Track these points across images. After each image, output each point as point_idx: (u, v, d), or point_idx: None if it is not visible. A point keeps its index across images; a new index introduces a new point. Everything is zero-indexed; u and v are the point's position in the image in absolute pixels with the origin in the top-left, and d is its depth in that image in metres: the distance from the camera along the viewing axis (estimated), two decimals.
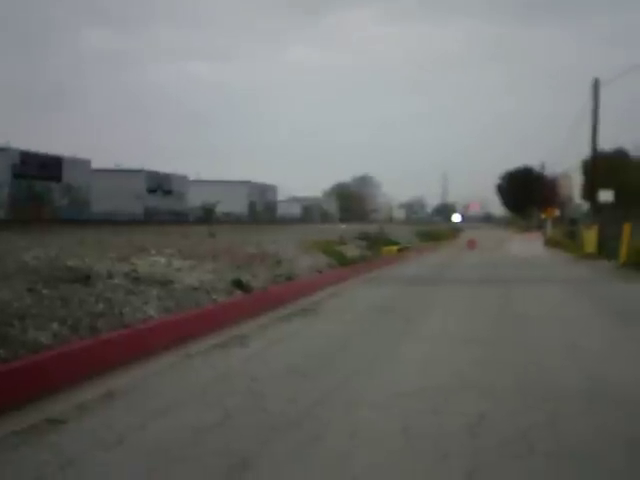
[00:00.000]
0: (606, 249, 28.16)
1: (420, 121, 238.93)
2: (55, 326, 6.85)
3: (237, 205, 76.47)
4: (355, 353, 7.91)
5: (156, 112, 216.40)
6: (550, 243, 42.45)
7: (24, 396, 5.51)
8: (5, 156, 42.56)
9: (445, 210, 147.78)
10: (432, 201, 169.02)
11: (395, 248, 29.12)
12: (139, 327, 7.74)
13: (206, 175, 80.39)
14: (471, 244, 39.58)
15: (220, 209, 73.31)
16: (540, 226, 62.63)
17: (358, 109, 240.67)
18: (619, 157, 65.48)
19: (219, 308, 9.90)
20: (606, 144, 55.98)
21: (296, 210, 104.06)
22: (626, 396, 6.01)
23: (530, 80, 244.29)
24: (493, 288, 16.25)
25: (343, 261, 19.41)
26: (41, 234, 20.21)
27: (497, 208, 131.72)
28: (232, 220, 62.93)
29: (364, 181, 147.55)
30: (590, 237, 31.34)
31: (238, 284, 11.44)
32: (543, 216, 61.62)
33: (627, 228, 23.64)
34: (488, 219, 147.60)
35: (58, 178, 47.20)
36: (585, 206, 47.18)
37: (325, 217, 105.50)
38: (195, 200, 70.33)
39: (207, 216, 66.81)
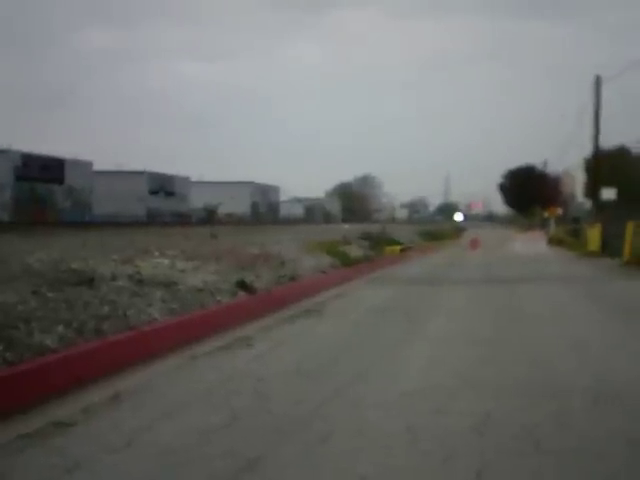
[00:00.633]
0: (609, 247, 28.14)
1: (422, 120, 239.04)
2: (60, 329, 6.86)
3: (239, 206, 76.52)
4: (360, 354, 7.91)
5: (157, 113, 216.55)
6: (553, 242, 42.39)
7: (30, 399, 5.51)
8: (7, 158, 42.63)
9: (447, 209, 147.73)
10: (434, 200, 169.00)
11: (398, 248, 29.11)
12: (144, 329, 7.75)
13: (208, 176, 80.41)
14: (474, 243, 39.54)
15: (222, 210, 73.38)
16: (543, 225, 62.56)
17: (360, 108, 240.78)
18: (622, 154, 65.37)
19: (223, 309, 9.91)
20: (609, 141, 55.93)
21: (299, 210, 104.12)
22: (631, 394, 6.01)
23: (532, 77, 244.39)
24: (496, 287, 16.25)
25: (346, 261, 19.40)
26: (44, 236, 20.25)
27: (500, 207, 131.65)
28: (234, 221, 62.94)
29: (366, 181, 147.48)
30: (593, 235, 31.31)
31: (242, 285, 11.44)
32: (546, 215, 61.54)
33: (630, 226, 23.60)
34: (491, 218, 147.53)
35: (60, 180, 47.27)
36: (588, 204, 47.12)
37: (328, 217, 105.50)
38: (197, 201, 70.41)
39: (209, 217, 66.86)
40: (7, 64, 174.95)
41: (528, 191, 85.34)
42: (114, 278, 9.57)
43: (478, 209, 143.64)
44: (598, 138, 37.37)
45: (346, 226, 51.64)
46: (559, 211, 59.42)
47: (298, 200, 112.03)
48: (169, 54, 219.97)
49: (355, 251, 22.73)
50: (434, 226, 66.37)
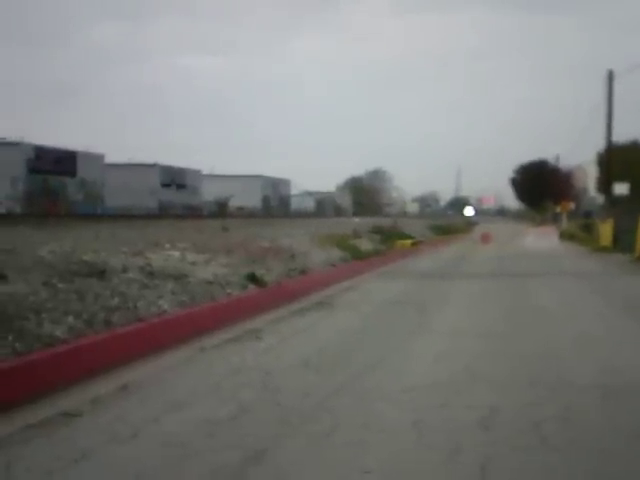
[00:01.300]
0: (621, 242, 28.01)
1: (434, 114, 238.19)
2: (70, 320, 6.90)
3: (251, 199, 76.56)
4: (369, 347, 7.92)
5: (168, 107, 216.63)
6: (565, 236, 42.23)
7: (39, 389, 5.55)
8: (20, 151, 42.79)
9: (459, 204, 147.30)
10: (446, 195, 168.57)
11: (409, 242, 29.09)
12: (154, 321, 7.78)
13: (220, 169, 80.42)
14: (485, 238, 39.44)
15: (234, 203, 73.44)
16: (555, 219, 62.35)
17: (371, 102, 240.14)
18: (635, 149, 65.06)
19: (233, 302, 9.93)
20: (622, 136, 55.71)
21: (309, 204, 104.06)
22: (638, 388, 5.99)
23: (545, 72, 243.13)
24: (507, 282, 16.21)
25: (357, 255, 19.40)
26: (56, 228, 20.32)
27: (511, 202, 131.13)
28: (245, 214, 63.01)
29: (377, 175, 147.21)
30: (605, 230, 31.19)
31: (252, 278, 11.46)
32: (558, 209, 61.32)
33: None
34: (502, 213, 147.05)
35: (72, 173, 47.40)
36: (600, 199, 46.95)
37: (338, 211, 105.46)
38: (209, 194, 70.48)
39: (221, 210, 66.95)
40: (18, 58, 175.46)
41: (540, 186, 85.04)
42: (125, 270, 9.60)
43: (490, 204, 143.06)
44: (611, 132, 37.21)
45: (357, 220, 51.60)
46: (571, 206, 59.23)
47: (309, 194, 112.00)
48: (180, 48, 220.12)
49: (366, 245, 22.73)
50: (445, 220, 66.23)
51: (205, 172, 72.16)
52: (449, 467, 4.22)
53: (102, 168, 51.26)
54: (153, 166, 59.78)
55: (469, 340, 8.34)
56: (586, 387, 6.03)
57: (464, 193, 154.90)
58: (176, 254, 12.10)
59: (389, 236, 28.24)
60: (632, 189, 38.29)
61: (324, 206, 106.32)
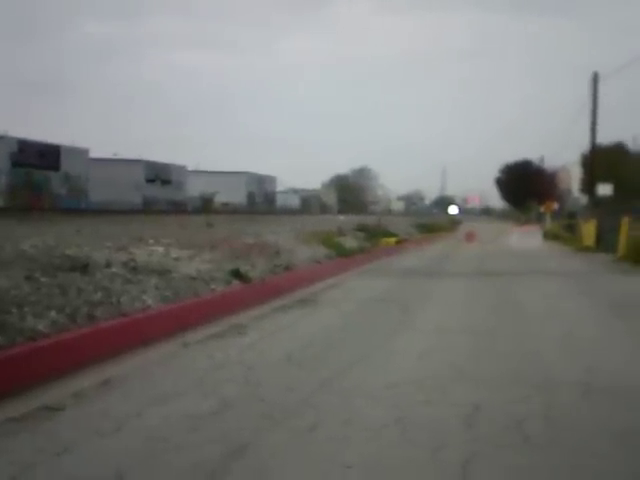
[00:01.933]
0: (604, 242, 28.18)
1: (421, 113, 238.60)
2: (53, 314, 6.86)
3: (236, 195, 76.50)
4: (352, 343, 7.93)
5: (154, 102, 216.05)
6: (549, 236, 42.41)
7: (22, 383, 5.52)
8: (3, 144, 42.52)
9: (444, 203, 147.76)
10: (431, 194, 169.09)
11: (393, 240, 29.12)
12: (137, 316, 7.75)
13: (205, 166, 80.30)
14: (470, 237, 39.54)
15: (219, 199, 73.33)
16: (539, 219, 62.63)
17: (357, 101, 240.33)
18: (618, 151, 65.46)
19: (217, 298, 9.91)
20: (606, 137, 56.03)
21: (295, 201, 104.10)
22: (621, 387, 6.03)
23: (532, 73, 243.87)
24: (490, 280, 16.27)
25: (342, 252, 19.41)
26: (39, 223, 20.22)
27: (496, 201, 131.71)
28: (230, 210, 62.90)
29: (363, 173, 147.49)
30: (588, 230, 31.36)
31: (236, 274, 11.44)
32: (542, 209, 61.59)
33: (625, 222, 23.66)
34: (487, 212, 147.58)
35: (56, 167, 47.19)
36: (584, 200, 47.19)
37: (324, 208, 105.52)
38: (194, 190, 70.34)
39: (205, 206, 66.79)
40: (4, 51, 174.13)
41: (524, 186, 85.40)
42: (108, 265, 9.56)
43: (475, 203, 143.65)
44: (595, 134, 37.41)
45: (342, 217, 51.64)
46: (555, 206, 59.48)
47: (294, 191, 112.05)
48: (165, 44, 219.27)
49: (350, 242, 22.73)
50: (430, 219, 66.35)
51: (190, 168, 72.03)
52: (431, 464, 4.23)
53: (86, 163, 51.07)
54: (138, 161, 59.63)
55: (453, 338, 8.36)
56: (569, 385, 6.06)
57: (450, 192, 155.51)
58: (160, 249, 12.06)
59: (374, 234, 28.25)
60: (615, 190, 38.54)
61: (309, 203, 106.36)
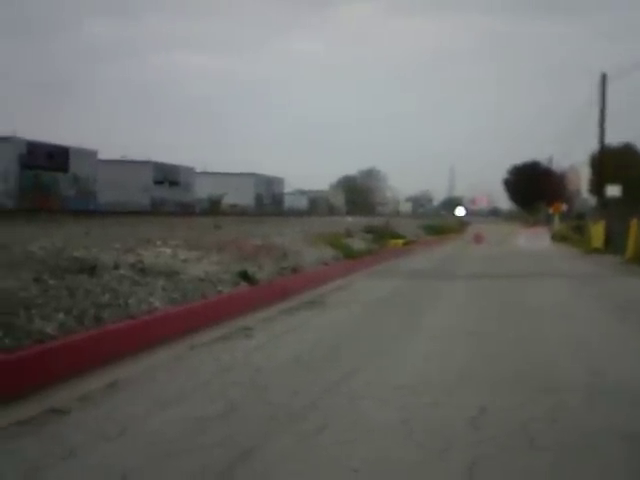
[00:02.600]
0: (613, 244, 28.10)
1: (428, 114, 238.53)
2: (61, 316, 6.88)
3: (244, 197, 76.55)
4: (359, 346, 7.93)
5: (162, 104, 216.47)
6: (557, 238, 42.30)
7: (28, 386, 5.53)
8: (12, 146, 42.68)
9: (452, 204, 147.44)
10: (439, 195, 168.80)
11: (401, 241, 29.09)
12: (144, 318, 7.76)
13: (213, 167, 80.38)
14: (478, 238, 39.46)
15: (227, 201, 73.40)
16: (547, 221, 62.46)
17: (365, 102, 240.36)
18: (627, 152, 65.28)
19: (224, 300, 9.92)
20: (615, 138, 55.92)
21: (303, 203, 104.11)
22: (627, 390, 6.02)
23: (540, 73, 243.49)
24: (498, 282, 16.24)
25: (349, 254, 19.40)
26: (48, 224, 20.28)
27: (504, 202, 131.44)
28: (238, 212, 62.95)
29: (371, 174, 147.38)
30: (597, 232, 31.25)
31: (244, 276, 11.45)
32: (550, 211, 61.42)
33: (634, 224, 23.56)
34: (495, 213, 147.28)
35: (65, 168, 47.31)
36: (593, 201, 47.08)
37: (332, 210, 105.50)
38: (202, 192, 70.42)
39: (213, 208, 66.87)
40: (12, 52, 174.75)
41: (533, 187, 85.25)
42: (116, 267, 9.58)
43: (483, 204, 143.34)
44: (604, 135, 37.34)
45: (349, 219, 51.62)
46: (563, 207, 59.31)
47: (302, 192, 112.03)
48: (174, 45, 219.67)
49: (358, 244, 22.71)
50: (438, 220, 66.24)
51: (198, 169, 72.10)
52: (437, 466, 4.23)
53: (95, 164, 51.18)
54: (146, 163, 59.73)
55: (459, 340, 8.35)
56: (574, 388, 6.05)
57: (458, 193, 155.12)
58: (168, 251, 12.08)
59: (382, 235, 28.22)
60: (624, 191, 38.43)
61: (317, 205, 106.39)
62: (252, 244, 15.94)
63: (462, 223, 75.72)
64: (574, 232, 42.01)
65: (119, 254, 10.68)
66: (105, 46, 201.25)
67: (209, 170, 78.51)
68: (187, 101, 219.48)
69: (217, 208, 67.76)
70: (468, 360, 7.14)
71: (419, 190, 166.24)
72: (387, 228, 32.12)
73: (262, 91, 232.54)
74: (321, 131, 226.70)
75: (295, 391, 5.79)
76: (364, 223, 33.79)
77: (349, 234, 24.96)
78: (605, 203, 36.95)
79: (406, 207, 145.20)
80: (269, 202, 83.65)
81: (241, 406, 5.34)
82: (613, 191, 37.46)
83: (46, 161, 45.29)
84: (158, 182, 60.74)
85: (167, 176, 62.30)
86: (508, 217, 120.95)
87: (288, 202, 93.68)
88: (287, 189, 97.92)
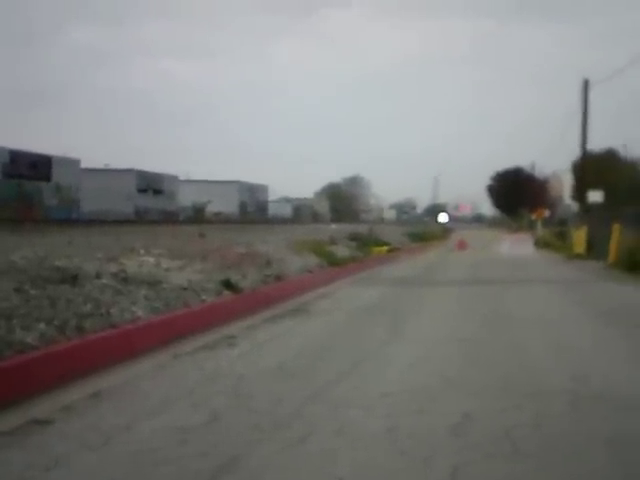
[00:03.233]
0: (595, 250, 28.27)
1: (412, 121, 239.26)
2: (42, 326, 6.83)
3: (228, 205, 76.41)
4: (343, 354, 7.92)
5: (144, 112, 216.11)
6: (540, 244, 42.52)
7: (10, 397, 5.49)
8: None
9: (436, 211, 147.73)
10: (423, 202, 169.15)
11: (385, 248, 29.14)
12: (127, 327, 7.73)
13: (196, 175, 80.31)
14: (461, 245, 39.60)
15: (210, 209, 73.26)
16: (530, 227, 62.77)
17: (348, 109, 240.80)
18: (609, 157, 65.71)
19: (207, 308, 9.89)
20: (597, 144, 56.25)
21: (287, 210, 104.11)
22: (610, 395, 6.04)
23: (521, 79, 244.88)
24: (481, 289, 16.29)
25: (333, 261, 19.41)
26: (30, 234, 20.15)
27: (488, 209, 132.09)
28: (222, 220, 62.83)
29: (355, 182, 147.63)
30: (579, 238, 31.45)
31: (227, 284, 11.42)
32: (533, 217, 61.73)
33: (616, 229, 23.73)
34: (479, 220, 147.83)
35: (48, 177, 47.05)
36: (575, 207, 47.33)
37: (316, 217, 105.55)
38: (185, 200, 70.26)
39: (197, 216, 66.73)
40: None
41: (516, 193, 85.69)
42: (98, 276, 9.54)
43: (466, 211, 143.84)
44: (586, 141, 37.55)
45: (334, 226, 51.63)
46: (546, 213, 59.63)
47: (287, 200, 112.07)
48: (156, 52, 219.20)
49: (342, 251, 22.73)
50: (422, 227, 66.38)
51: (182, 177, 71.95)
52: (421, 474, 4.23)
53: (78, 173, 50.93)
54: (129, 171, 59.53)
55: (444, 347, 8.36)
56: (559, 394, 6.07)
57: (442, 200, 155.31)
58: (151, 260, 12.04)
59: (365, 243, 28.26)
60: (606, 197, 38.68)
61: (301, 212, 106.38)
62: (236, 252, 15.91)
63: (446, 230, 75.93)
64: (557, 238, 42.26)
65: (101, 263, 10.63)
66: (88, 53, 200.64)
67: (193, 178, 78.40)
68: (171, 108, 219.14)
69: (201, 216, 67.61)
70: (452, 367, 7.15)
71: (403, 197, 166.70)
72: (371, 235, 32.17)
73: (247, 98, 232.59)
74: (306, 138, 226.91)
75: (279, 399, 5.77)
76: (348, 230, 33.82)
77: (333, 241, 24.98)
78: (587, 209, 37.16)
79: (390, 214, 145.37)
80: (253, 210, 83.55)
81: (225, 415, 5.33)
82: (595, 197, 37.70)
83: (29, 170, 45.03)
84: (142, 190, 60.53)
85: (150, 184, 62.11)
86: (492, 223, 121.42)
87: (272, 210, 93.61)
88: (271, 197, 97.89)
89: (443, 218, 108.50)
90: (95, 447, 4.59)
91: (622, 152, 67.83)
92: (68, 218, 43.08)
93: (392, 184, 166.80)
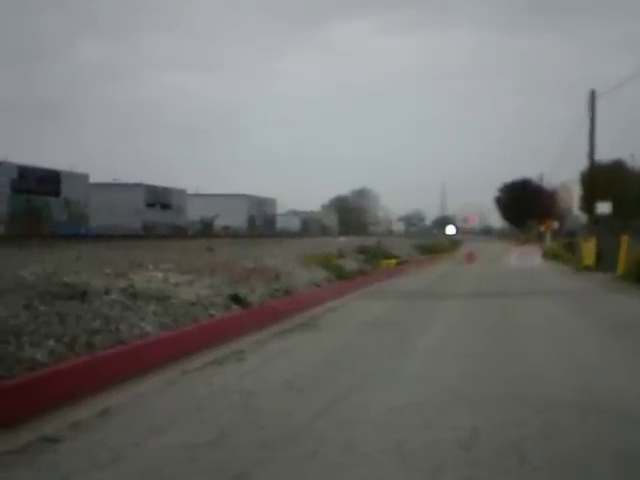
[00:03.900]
0: (604, 261, 28.17)
1: (420, 133, 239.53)
2: (51, 343, 6.85)
3: (236, 218, 76.58)
4: (351, 368, 7.91)
5: (153, 126, 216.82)
6: (549, 255, 42.42)
7: (20, 414, 5.50)
8: (3, 171, 42.64)
9: (444, 223, 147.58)
10: (431, 214, 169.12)
11: (393, 261, 29.12)
12: (135, 343, 7.74)
13: (205, 189, 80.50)
14: (470, 257, 39.45)
15: (219, 223, 73.41)
16: (539, 238, 62.60)
17: (356, 122, 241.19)
18: (617, 168, 65.58)
19: (216, 323, 9.90)
20: (605, 155, 56.24)
21: (295, 223, 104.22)
22: (619, 408, 6.02)
23: (529, 91, 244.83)
24: (490, 301, 16.26)
25: (342, 275, 19.40)
26: (39, 249, 20.23)
27: (496, 220, 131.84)
28: (231, 234, 62.92)
29: (363, 194, 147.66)
30: (588, 249, 31.34)
31: (236, 299, 11.43)
32: (542, 228, 61.59)
33: (625, 240, 23.65)
34: (487, 232, 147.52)
35: (56, 193, 47.28)
36: (584, 218, 47.25)
37: (324, 230, 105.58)
38: (194, 214, 70.45)
39: (206, 230, 66.84)
40: (1, 76, 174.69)
41: (524, 205, 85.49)
42: (107, 292, 9.56)
43: (474, 223, 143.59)
44: (594, 152, 37.52)
45: (342, 239, 51.65)
46: (555, 225, 59.45)
47: (295, 213, 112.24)
48: (165, 66, 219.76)
49: (350, 264, 22.72)
50: (430, 239, 66.37)
51: (190, 192, 72.16)
52: None
53: (86, 188, 51.19)
54: (138, 186, 59.77)
55: (452, 360, 8.35)
56: (567, 407, 6.05)
57: (450, 211, 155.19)
58: (159, 275, 12.06)
59: (374, 256, 28.24)
60: (614, 208, 38.58)
61: (309, 225, 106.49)
62: (244, 266, 15.93)
63: (454, 242, 75.83)
64: (565, 250, 42.11)
65: (110, 279, 10.66)
66: (98, 68, 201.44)
67: (201, 192, 78.64)
68: (178, 122, 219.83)
69: (209, 230, 67.74)
70: (461, 380, 7.14)
71: (411, 209, 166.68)
72: (379, 248, 32.15)
73: (253, 112, 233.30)
74: (313, 151, 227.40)
75: (288, 415, 5.77)
76: (357, 243, 33.80)
77: (341, 255, 24.98)
78: (596, 220, 37.08)
79: (398, 226, 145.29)
80: (261, 223, 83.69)
81: (234, 431, 5.33)
82: (603, 208, 37.61)
83: (37, 185, 45.27)
84: (150, 205, 60.76)
85: (159, 199, 62.34)
86: (500, 235, 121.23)
87: (280, 223, 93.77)
88: (279, 210, 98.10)
89: (451, 230, 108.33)
90: (104, 465, 4.59)
91: (629, 162, 67.74)
92: (77, 233, 43.23)
93: (400, 196, 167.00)
